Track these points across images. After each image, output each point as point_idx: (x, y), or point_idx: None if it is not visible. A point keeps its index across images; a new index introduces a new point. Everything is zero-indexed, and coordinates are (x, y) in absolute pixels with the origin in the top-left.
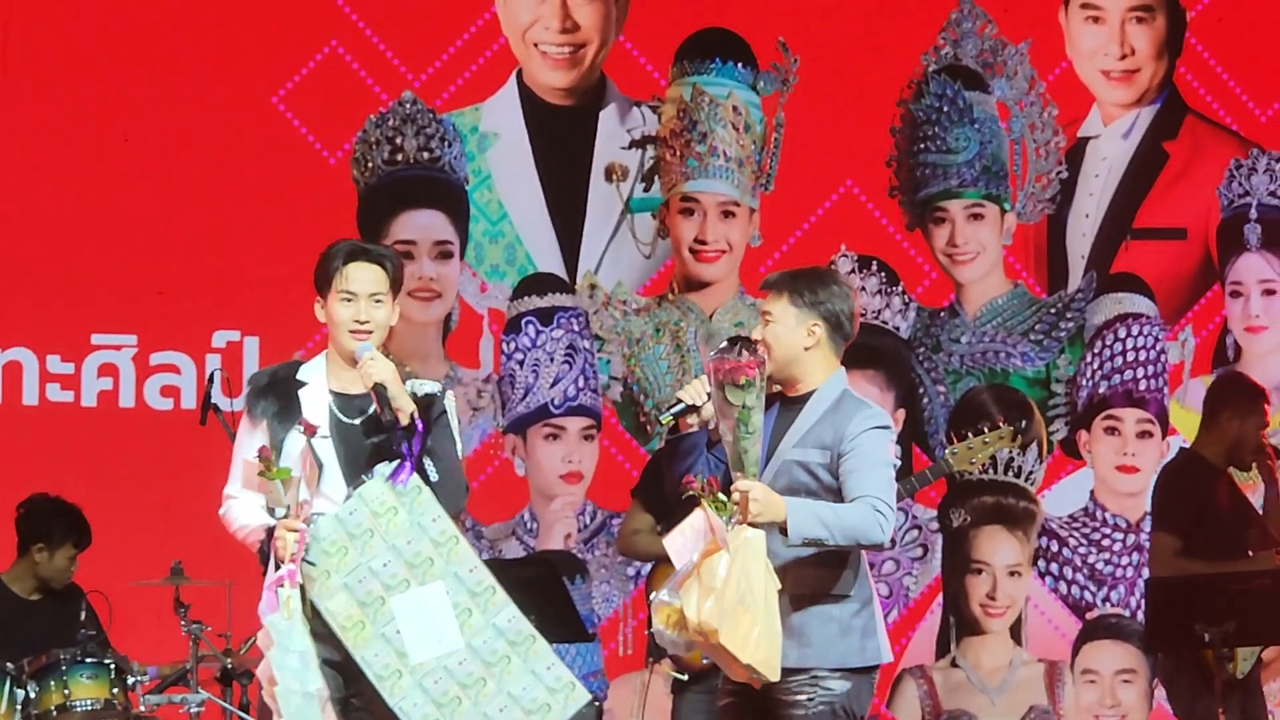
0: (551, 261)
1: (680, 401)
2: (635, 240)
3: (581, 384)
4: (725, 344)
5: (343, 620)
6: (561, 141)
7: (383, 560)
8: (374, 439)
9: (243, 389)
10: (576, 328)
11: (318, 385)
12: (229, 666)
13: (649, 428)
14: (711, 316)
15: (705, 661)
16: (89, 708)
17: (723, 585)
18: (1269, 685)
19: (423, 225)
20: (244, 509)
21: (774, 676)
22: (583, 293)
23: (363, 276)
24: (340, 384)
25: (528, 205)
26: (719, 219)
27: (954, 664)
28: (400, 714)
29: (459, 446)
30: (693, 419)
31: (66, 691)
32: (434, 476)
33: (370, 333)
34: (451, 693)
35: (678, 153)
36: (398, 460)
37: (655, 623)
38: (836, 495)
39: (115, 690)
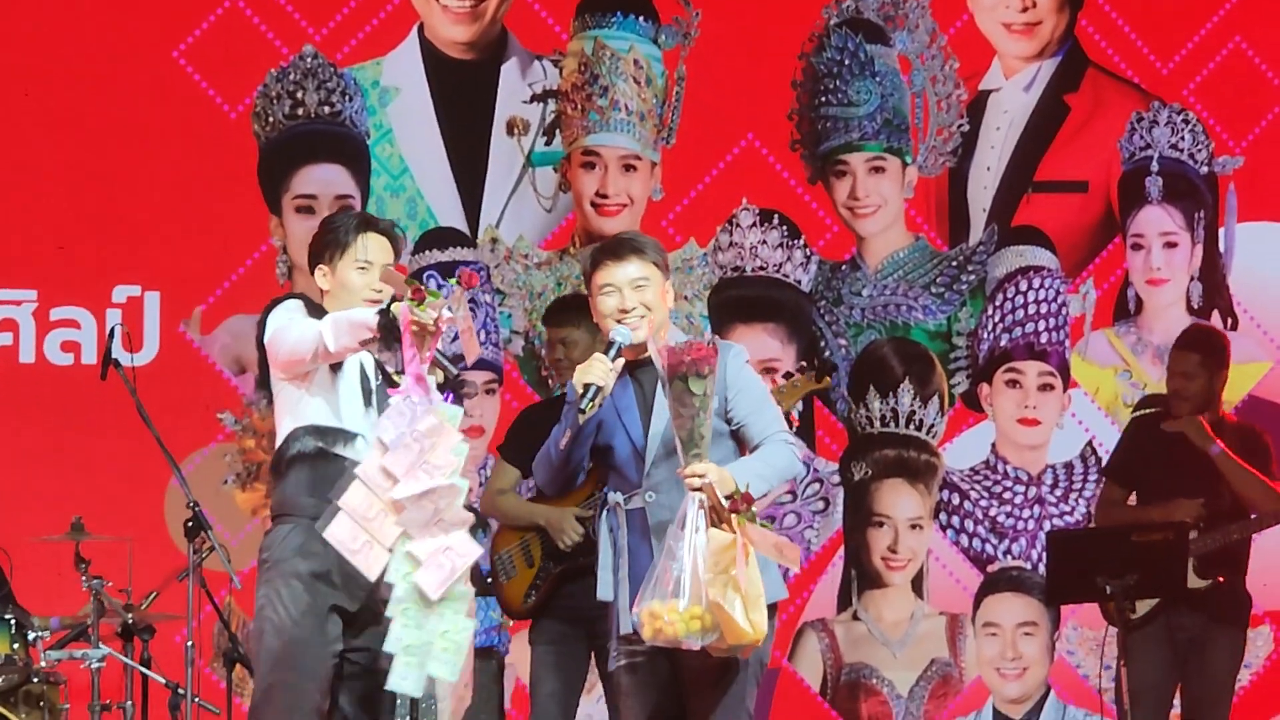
0: (453, 215)
1: (592, 387)
2: (537, 194)
3: (483, 338)
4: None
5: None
6: (463, 95)
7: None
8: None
9: (293, 301)
10: (478, 282)
11: None
12: (130, 622)
13: (550, 382)
14: None
15: (525, 605)
16: None
17: (758, 589)
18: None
19: (324, 180)
20: (337, 316)
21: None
22: (484, 247)
23: (376, 246)
24: None
25: (429, 159)
26: (620, 173)
27: (855, 617)
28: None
29: None
30: (599, 398)
31: None
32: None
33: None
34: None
35: (579, 106)
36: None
37: (679, 632)
38: (731, 438)
39: (16, 645)
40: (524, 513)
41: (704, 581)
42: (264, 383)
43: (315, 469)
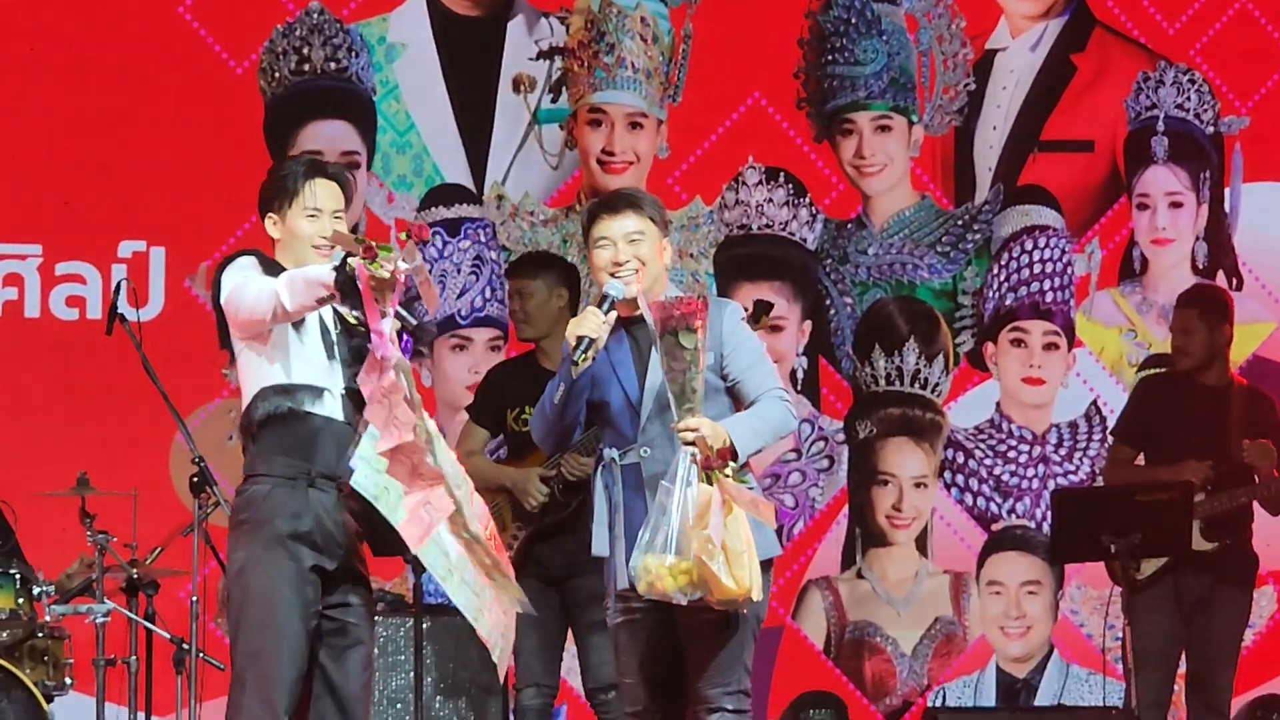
0: (458, 172)
1: (585, 339)
2: (542, 151)
3: (488, 295)
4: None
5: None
6: (469, 53)
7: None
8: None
9: (246, 258)
10: (483, 239)
11: None
12: (134, 577)
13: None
14: None
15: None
16: None
17: (744, 545)
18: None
19: (330, 136)
20: (293, 275)
21: (758, 595)
22: (490, 204)
23: (325, 193)
24: None
25: (435, 116)
26: (626, 130)
27: (860, 575)
28: (462, 609)
29: None
30: (591, 351)
31: None
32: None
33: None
34: (480, 580)
35: (585, 64)
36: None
37: (667, 586)
38: (726, 394)
39: (20, 600)
40: (490, 475)
41: (690, 537)
42: (225, 342)
43: (287, 427)
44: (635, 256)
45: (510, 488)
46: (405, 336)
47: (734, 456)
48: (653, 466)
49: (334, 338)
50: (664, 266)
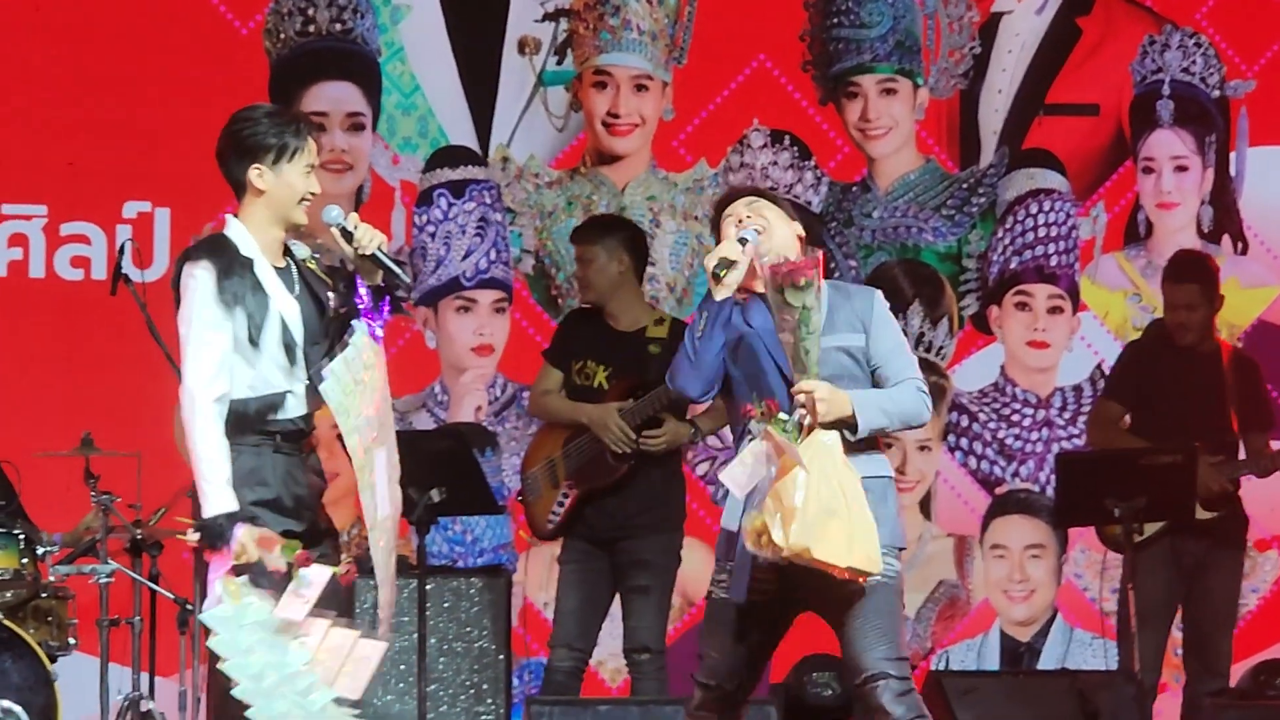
0: (464, 134)
1: (725, 259)
2: (548, 113)
3: (493, 257)
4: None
5: (357, 461)
6: (474, 14)
7: (370, 411)
8: (320, 308)
9: (189, 271)
10: (489, 200)
11: (261, 262)
12: (138, 538)
13: (560, 300)
14: (624, 190)
15: (549, 526)
16: None
17: (804, 504)
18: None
19: (335, 97)
20: (216, 445)
21: (877, 569)
22: (495, 165)
23: (315, 150)
24: (273, 257)
25: (440, 78)
26: (632, 92)
27: None
28: (376, 566)
29: None
30: (732, 278)
31: None
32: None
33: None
34: (389, 548)
35: (591, 25)
36: (365, 317)
37: (749, 541)
38: (871, 380)
39: (25, 561)
40: (567, 411)
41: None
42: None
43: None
44: (756, 215)
45: (588, 423)
46: (384, 301)
47: (854, 429)
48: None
49: (296, 340)
50: (796, 242)
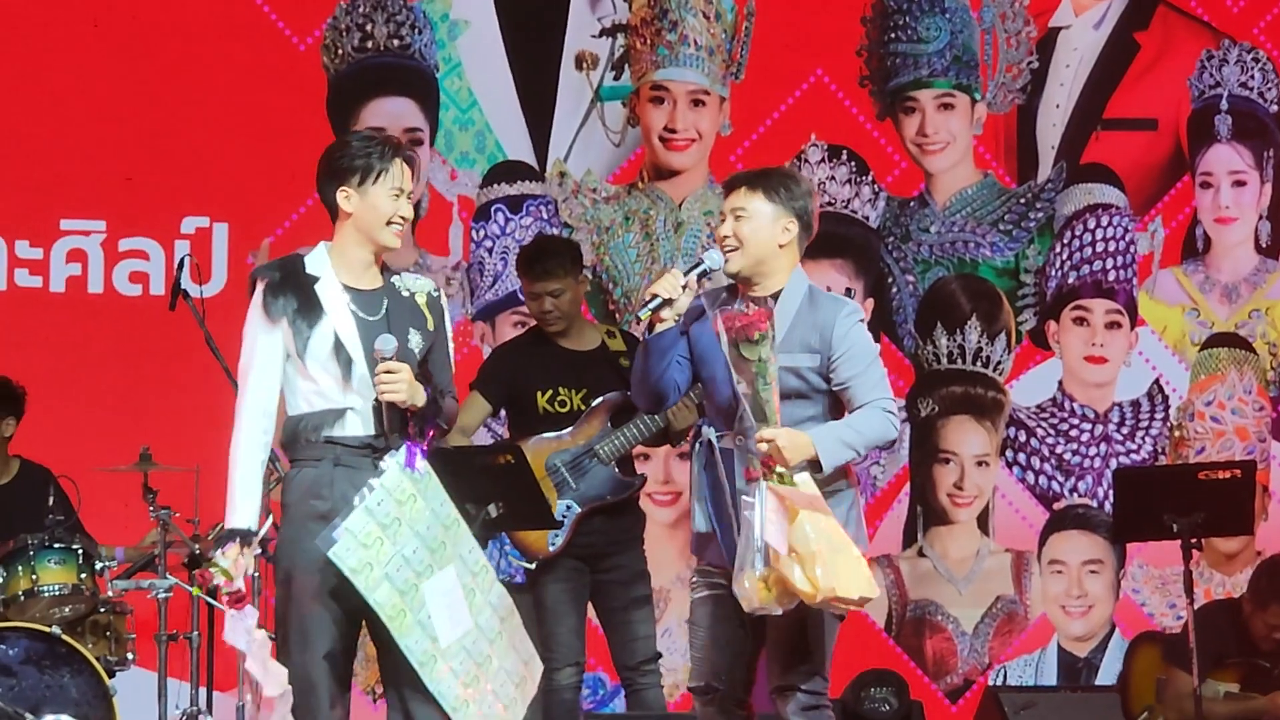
0: (521, 149)
1: (656, 297)
2: (605, 128)
3: None
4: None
5: (389, 611)
6: (532, 29)
7: (411, 547)
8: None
9: (256, 286)
10: (545, 215)
11: (329, 280)
12: (196, 552)
13: (617, 316)
14: (681, 205)
15: (551, 549)
16: (56, 592)
17: (817, 545)
18: (1235, 576)
19: (393, 112)
20: (243, 458)
21: (875, 593)
22: (552, 180)
23: (404, 173)
24: (353, 278)
25: (498, 93)
26: (689, 107)
27: (921, 554)
28: (439, 698)
29: (450, 349)
30: (667, 313)
31: (34, 576)
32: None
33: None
34: (472, 672)
35: (648, 41)
36: (407, 446)
37: (763, 599)
38: (828, 396)
39: (83, 575)
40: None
41: (766, 546)
42: None
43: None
44: (734, 234)
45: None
46: (429, 424)
47: (819, 468)
48: (747, 459)
49: (351, 355)
50: (778, 249)
